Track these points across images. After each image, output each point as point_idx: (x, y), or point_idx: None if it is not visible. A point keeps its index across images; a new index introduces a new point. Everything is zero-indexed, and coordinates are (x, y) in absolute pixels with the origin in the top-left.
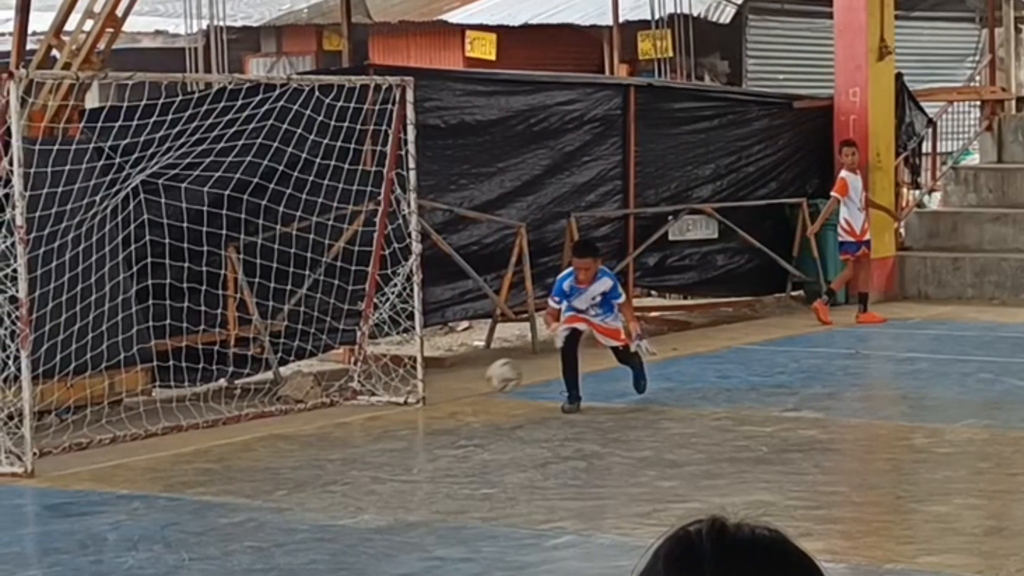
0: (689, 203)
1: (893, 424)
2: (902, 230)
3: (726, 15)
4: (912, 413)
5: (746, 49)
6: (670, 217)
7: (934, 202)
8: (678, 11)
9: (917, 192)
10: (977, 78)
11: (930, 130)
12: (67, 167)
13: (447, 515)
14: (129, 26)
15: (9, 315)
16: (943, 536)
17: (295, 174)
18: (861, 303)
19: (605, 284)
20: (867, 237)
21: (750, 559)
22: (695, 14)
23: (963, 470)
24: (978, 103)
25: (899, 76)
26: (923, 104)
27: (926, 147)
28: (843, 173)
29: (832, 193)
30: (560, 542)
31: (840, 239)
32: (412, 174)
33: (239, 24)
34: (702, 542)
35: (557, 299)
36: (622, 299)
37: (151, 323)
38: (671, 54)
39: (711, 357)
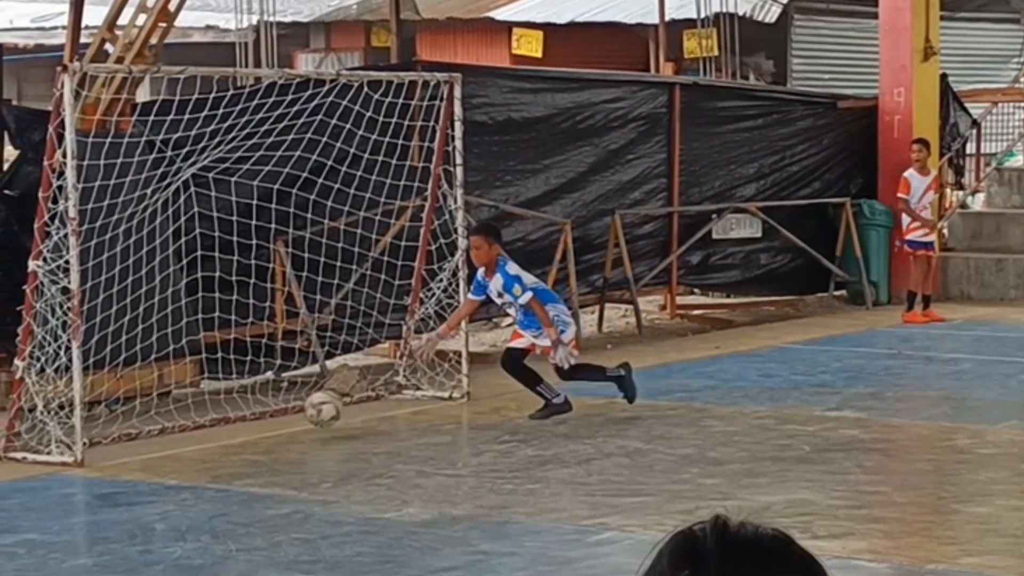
0: (733, 202)
1: (935, 425)
2: (945, 231)
3: (772, 14)
4: (954, 414)
5: (791, 48)
6: (714, 215)
7: (977, 203)
8: (724, 10)
9: (960, 193)
10: (1022, 79)
11: (974, 131)
12: (119, 160)
13: (491, 510)
14: (180, 21)
15: (61, 306)
16: (985, 537)
17: (343, 169)
18: (908, 301)
19: (498, 280)
20: (910, 236)
21: (754, 556)
22: (741, 13)
23: (1005, 471)
24: (1022, 104)
25: (944, 77)
26: (967, 105)
27: (970, 148)
28: (906, 172)
29: (899, 195)
30: (603, 538)
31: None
32: (459, 170)
33: (288, 20)
34: (706, 540)
35: (472, 290)
36: (526, 298)
37: (200, 315)
38: (716, 53)
39: (753, 356)
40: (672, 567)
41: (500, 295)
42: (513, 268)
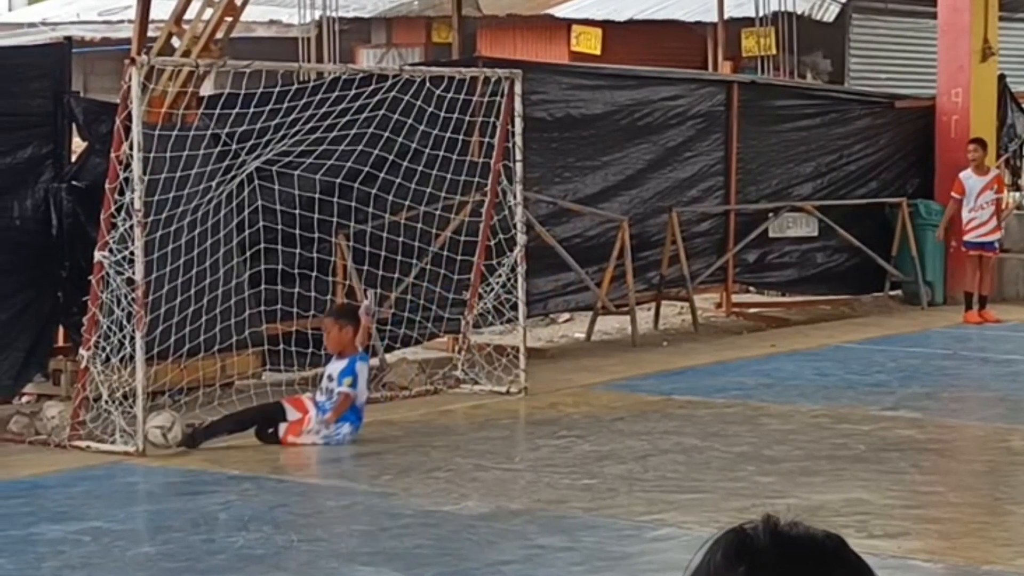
0: (790, 200)
1: (991, 426)
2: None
3: (830, 13)
4: (1010, 415)
5: (849, 48)
6: (771, 214)
7: None
8: (782, 9)
9: (1017, 194)
10: None
11: None
12: (184, 153)
13: (548, 504)
14: (244, 15)
15: (126, 297)
16: None
17: (404, 163)
18: (965, 302)
19: (342, 364)
20: (966, 237)
21: (810, 554)
22: (799, 12)
23: None
24: None
25: (1002, 77)
26: None
27: None
28: (962, 173)
29: (951, 194)
30: (660, 534)
31: None
32: (519, 166)
33: (351, 15)
34: (759, 537)
35: None
36: (343, 390)
37: (262, 307)
38: (774, 52)
39: (809, 354)
40: (727, 563)
41: (330, 378)
42: (364, 369)
